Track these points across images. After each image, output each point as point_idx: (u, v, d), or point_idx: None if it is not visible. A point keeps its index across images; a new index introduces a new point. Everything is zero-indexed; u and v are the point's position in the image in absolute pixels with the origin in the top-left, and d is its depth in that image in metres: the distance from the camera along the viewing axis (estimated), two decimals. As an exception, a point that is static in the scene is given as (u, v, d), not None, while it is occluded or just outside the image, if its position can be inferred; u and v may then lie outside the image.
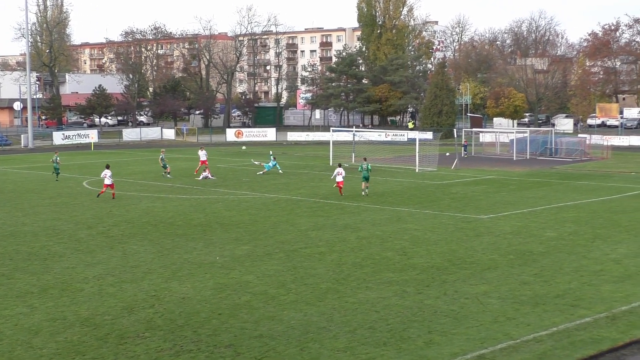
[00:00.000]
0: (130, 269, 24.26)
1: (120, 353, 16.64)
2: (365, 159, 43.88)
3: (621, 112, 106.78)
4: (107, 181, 40.27)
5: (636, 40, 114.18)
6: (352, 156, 62.16)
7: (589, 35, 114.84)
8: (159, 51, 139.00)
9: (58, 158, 50.78)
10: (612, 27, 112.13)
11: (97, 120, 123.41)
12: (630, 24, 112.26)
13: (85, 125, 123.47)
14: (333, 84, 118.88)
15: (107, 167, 41.40)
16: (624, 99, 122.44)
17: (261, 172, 53.22)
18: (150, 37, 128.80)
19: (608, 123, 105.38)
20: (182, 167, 60.00)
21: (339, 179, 41.34)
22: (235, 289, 21.76)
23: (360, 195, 41.27)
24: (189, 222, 33.05)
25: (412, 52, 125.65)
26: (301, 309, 19.73)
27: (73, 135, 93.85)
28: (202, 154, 52.87)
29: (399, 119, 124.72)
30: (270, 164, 53.90)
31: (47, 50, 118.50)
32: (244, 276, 23.23)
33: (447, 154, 66.32)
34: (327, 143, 64.98)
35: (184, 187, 46.32)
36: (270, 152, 58.46)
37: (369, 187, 41.97)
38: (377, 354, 16.40)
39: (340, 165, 42.79)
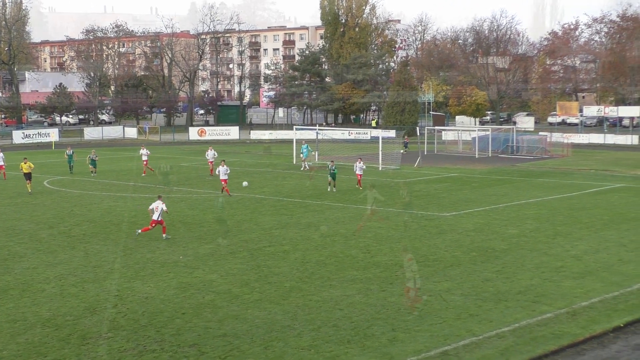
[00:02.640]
0: (92, 269, 24.04)
1: (83, 354, 16.50)
2: (332, 162, 45.00)
3: (581, 110, 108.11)
4: (223, 177, 41.78)
5: (595, 39, 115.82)
6: (316, 155, 62.15)
7: (549, 34, 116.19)
8: (120, 49, 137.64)
9: (72, 152, 54.70)
10: (572, 27, 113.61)
11: (57, 119, 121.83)
12: (589, 23, 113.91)
13: (45, 124, 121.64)
14: (296, 82, 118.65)
15: (223, 162, 43.65)
16: (583, 97, 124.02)
17: (306, 166, 55.02)
18: (112, 35, 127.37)
19: (568, 121, 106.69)
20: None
21: (359, 171, 44.12)
22: (198, 288, 21.68)
23: (324, 194, 41.53)
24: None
25: (375, 51, 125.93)
26: (265, 307, 19.72)
27: (33, 134, 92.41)
28: (211, 154, 52.01)
29: (363, 117, 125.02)
30: (305, 152, 55.25)
31: (6, 48, 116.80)
32: (208, 275, 23.15)
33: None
34: (290, 141, 64.86)
35: (147, 186, 46.01)
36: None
37: (336, 186, 43.34)
38: (341, 352, 16.46)
39: (360, 159, 45.08)
